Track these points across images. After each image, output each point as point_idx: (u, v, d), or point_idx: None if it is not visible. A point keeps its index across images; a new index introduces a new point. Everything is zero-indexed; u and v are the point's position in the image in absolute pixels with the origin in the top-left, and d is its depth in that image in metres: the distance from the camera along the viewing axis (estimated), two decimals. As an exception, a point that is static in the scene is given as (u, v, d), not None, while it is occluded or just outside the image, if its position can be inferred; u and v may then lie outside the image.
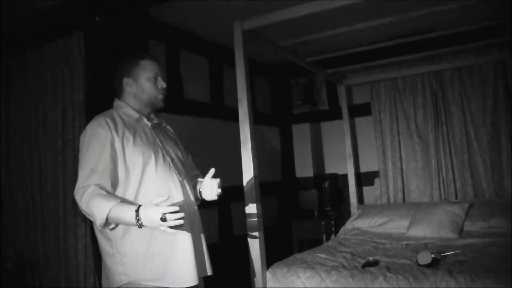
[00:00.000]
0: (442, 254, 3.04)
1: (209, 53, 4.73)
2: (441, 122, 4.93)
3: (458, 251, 3.19)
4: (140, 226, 1.91)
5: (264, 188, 5.22)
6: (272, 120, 5.83)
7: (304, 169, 5.70)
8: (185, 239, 2.12)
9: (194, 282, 2.11)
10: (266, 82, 5.88)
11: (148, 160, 2.12)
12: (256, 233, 2.87)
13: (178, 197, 2.17)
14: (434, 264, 2.85)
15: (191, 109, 4.37)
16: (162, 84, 2.28)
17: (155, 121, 2.34)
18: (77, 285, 3.22)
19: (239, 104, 2.96)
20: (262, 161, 5.29)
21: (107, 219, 1.94)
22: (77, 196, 2.01)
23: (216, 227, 4.55)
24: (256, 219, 2.87)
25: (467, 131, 4.81)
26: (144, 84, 2.25)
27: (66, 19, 3.48)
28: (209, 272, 2.31)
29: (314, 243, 4.72)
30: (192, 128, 4.31)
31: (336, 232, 4.92)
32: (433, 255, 2.89)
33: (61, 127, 3.39)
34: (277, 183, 5.71)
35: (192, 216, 2.24)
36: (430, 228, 3.97)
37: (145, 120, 2.28)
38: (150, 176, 2.11)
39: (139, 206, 1.92)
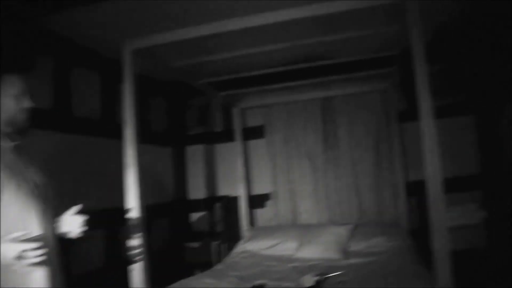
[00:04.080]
0: (325, 276, 3.12)
1: (103, 68, 4.54)
2: (330, 145, 5.13)
3: (340, 272, 3.30)
4: None
5: (155, 209, 5.12)
6: (166, 140, 5.72)
7: (196, 190, 5.63)
8: (39, 276, 1.89)
9: None
10: (162, 101, 5.77)
11: (6, 187, 1.88)
12: (138, 262, 2.77)
13: (37, 227, 1.96)
14: (317, 286, 2.92)
15: (80, 127, 4.15)
16: (26, 103, 2.05)
17: (17, 142, 2.08)
18: None
19: (125, 125, 2.87)
20: (153, 182, 5.17)
21: None
22: None
23: (102, 252, 4.33)
24: (138, 248, 2.77)
25: (353, 155, 5.04)
26: (4, 101, 2.00)
27: None
28: None
29: (206, 266, 4.67)
30: (80, 147, 4.10)
31: (228, 255, 4.90)
32: (316, 277, 2.96)
33: None
34: (169, 205, 5.59)
35: (51, 250, 1.99)
36: (317, 250, 4.08)
37: (6, 142, 2.02)
38: (6, 204, 1.86)
39: None
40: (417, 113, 2.52)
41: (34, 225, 1.95)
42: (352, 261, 3.81)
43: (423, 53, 2.48)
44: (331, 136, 5.14)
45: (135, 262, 2.78)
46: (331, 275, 3.19)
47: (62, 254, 2.14)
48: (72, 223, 2.14)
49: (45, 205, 2.09)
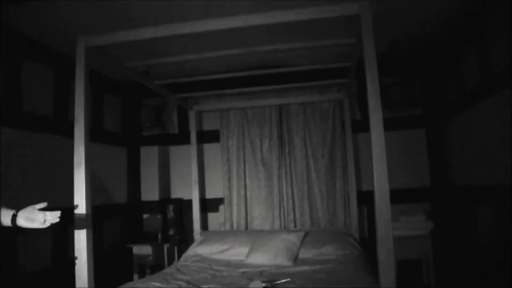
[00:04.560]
0: (274, 282, 3.12)
1: (57, 64, 4.42)
2: (285, 153, 5.16)
3: (288, 279, 3.30)
4: None
5: (107, 210, 5.02)
6: (121, 140, 5.62)
7: (150, 192, 5.55)
8: None
9: None
10: (117, 100, 5.66)
11: None
12: (84, 262, 2.69)
13: None
14: (264, 293, 2.91)
15: (30, 123, 4.02)
16: None
17: None
18: None
19: (76, 123, 2.77)
20: (106, 182, 5.07)
21: None
22: None
23: (49, 251, 4.21)
24: (85, 247, 2.69)
25: (308, 163, 5.09)
26: None
27: None
28: None
29: (157, 268, 4.61)
30: (31, 143, 3.98)
31: (179, 258, 4.86)
32: (264, 284, 2.95)
33: None
34: (122, 206, 5.49)
35: None
36: (267, 256, 4.08)
37: None
38: None
39: None
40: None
41: None
42: (302, 268, 3.81)
43: (375, 64, 2.52)
44: (287, 143, 5.18)
45: (78, 262, 2.70)
46: (279, 282, 3.20)
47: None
48: (33, 215, 2.07)
49: None
